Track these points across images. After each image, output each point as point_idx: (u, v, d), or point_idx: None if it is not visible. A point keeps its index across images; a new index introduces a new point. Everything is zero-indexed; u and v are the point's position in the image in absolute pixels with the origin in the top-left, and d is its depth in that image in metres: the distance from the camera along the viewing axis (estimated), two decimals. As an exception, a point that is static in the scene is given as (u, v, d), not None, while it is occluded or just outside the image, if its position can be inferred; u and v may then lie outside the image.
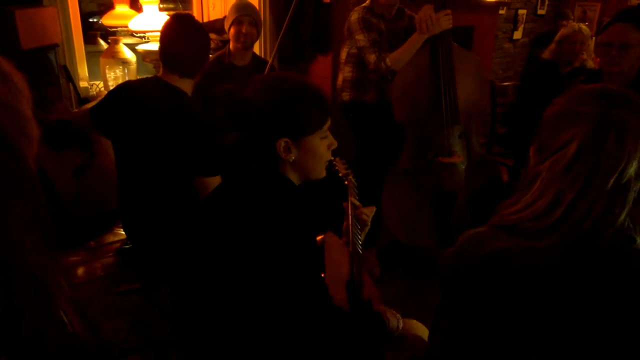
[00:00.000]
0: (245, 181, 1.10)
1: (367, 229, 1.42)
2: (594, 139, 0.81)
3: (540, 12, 5.04)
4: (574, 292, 0.80)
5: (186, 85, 1.70)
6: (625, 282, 0.79)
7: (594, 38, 3.40)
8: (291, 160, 1.07)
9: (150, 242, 1.72)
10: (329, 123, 1.12)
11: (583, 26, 3.11)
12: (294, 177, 1.12)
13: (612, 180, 0.80)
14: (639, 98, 0.84)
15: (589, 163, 0.81)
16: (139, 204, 1.72)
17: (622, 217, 0.80)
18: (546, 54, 3.24)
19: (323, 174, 1.16)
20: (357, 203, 1.43)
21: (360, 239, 1.34)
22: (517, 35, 4.89)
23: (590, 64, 3.14)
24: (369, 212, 1.42)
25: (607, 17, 4.65)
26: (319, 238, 1.31)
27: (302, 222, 1.04)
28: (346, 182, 1.49)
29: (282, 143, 1.05)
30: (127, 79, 2.71)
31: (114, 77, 2.65)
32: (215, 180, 1.63)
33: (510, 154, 3.34)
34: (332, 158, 1.19)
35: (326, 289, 1.05)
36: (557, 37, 3.14)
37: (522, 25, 4.90)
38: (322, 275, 1.21)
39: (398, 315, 1.23)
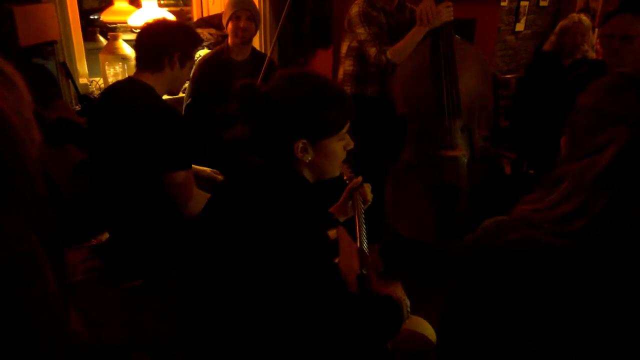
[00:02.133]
0: (258, 178, 1.08)
1: (368, 204, 1.45)
2: (631, 152, 0.72)
3: (542, 3, 4.98)
4: (596, 290, 0.76)
5: (161, 80, 1.61)
6: None
7: (596, 29, 3.36)
8: (307, 161, 1.06)
9: (123, 236, 1.67)
10: (348, 125, 1.10)
11: (583, 17, 3.07)
12: (308, 176, 1.11)
13: None
14: None
15: (622, 179, 0.73)
16: (111, 203, 1.66)
17: None
18: (547, 46, 3.20)
19: (337, 173, 1.15)
20: (362, 197, 1.44)
21: (365, 235, 1.34)
22: (520, 27, 4.85)
23: (592, 54, 3.10)
24: (367, 189, 1.45)
25: (610, 8, 4.61)
26: (332, 231, 1.31)
27: (318, 218, 1.04)
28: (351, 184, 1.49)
29: (300, 144, 1.04)
30: (126, 75, 2.70)
31: (114, 73, 2.64)
32: (182, 175, 1.54)
33: (513, 147, 3.32)
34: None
35: (340, 278, 1.04)
36: (557, 29, 3.10)
37: (525, 17, 4.85)
38: (336, 260, 1.21)
39: (406, 299, 1.21)
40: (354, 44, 2.39)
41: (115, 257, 1.65)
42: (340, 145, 1.10)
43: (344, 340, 1.00)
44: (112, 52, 2.68)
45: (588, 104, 0.83)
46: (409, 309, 1.17)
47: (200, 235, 1.10)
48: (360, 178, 1.47)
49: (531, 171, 2.97)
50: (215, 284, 1.03)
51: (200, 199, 1.58)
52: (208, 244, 1.07)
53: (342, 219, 1.47)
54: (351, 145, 1.13)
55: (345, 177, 1.52)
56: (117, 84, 1.75)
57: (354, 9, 2.32)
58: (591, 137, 0.78)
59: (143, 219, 1.62)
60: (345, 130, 1.10)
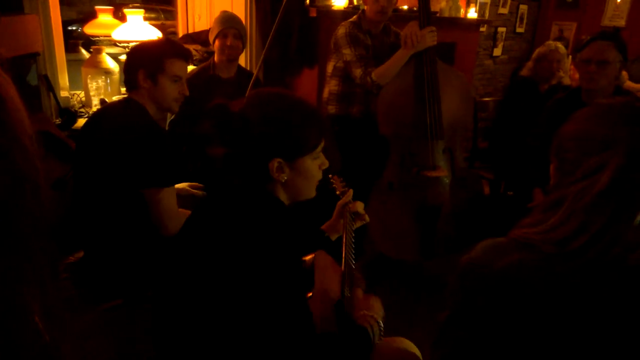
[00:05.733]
0: (234, 199, 1.07)
1: (363, 222, 1.46)
2: (628, 171, 0.77)
3: (519, 30, 5.18)
4: (596, 312, 0.78)
5: (144, 98, 1.63)
6: None
7: (570, 56, 3.51)
8: (283, 181, 1.05)
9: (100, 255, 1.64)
10: (323, 144, 1.10)
11: (560, 45, 3.21)
12: (284, 197, 1.10)
13: None
14: None
15: (620, 197, 0.77)
16: (91, 219, 1.63)
17: None
18: (524, 72, 3.32)
19: (313, 194, 1.14)
20: (353, 214, 1.45)
21: (353, 253, 1.33)
22: (497, 52, 5.02)
23: (567, 81, 3.23)
24: (359, 207, 1.46)
25: (582, 36, 4.81)
26: (309, 257, 1.30)
27: (291, 243, 1.01)
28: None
29: (275, 163, 1.03)
30: (109, 89, 2.67)
31: (96, 87, 2.60)
32: (161, 193, 1.54)
33: (491, 168, 3.40)
34: (329, 176, 1.17)
35: (310, 313, 1.02)
36: (534, 55, 3.23)
37: (502, 43, 5.02)
38: (310, 294, 1.19)
39: (380, 321, 1.18)
40: (340, 64, 2.42)
41: (93, 276, 1.61)
42: (315, 164, 1.10)
43: None
44: (95, 66, 2.65)
45: (575, 132, 0.87)
46: (382, 328, 1.15)
47: (175, 255, 1.08)
48: (351, 191, 1.47)
49: (510, 192, 3.04)
50: (186, 306, 1.01)
51: (181, 219, 1.55)
52: (181, 265, 1.05)
53: (334, 237, 1.46)
54: (326, 164, 1.13)
55: (337, 192, 1.50)
56: (113, 102, 1.78)
57: (341, 30, 2.37)
58: (582, 162, 0.82)
59: (122, 237, 1.59)
60: (320, 148, 1.10)
